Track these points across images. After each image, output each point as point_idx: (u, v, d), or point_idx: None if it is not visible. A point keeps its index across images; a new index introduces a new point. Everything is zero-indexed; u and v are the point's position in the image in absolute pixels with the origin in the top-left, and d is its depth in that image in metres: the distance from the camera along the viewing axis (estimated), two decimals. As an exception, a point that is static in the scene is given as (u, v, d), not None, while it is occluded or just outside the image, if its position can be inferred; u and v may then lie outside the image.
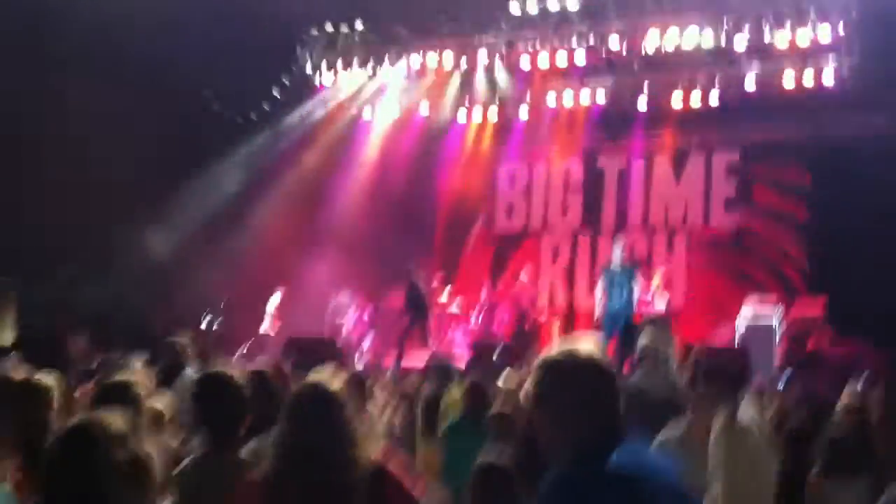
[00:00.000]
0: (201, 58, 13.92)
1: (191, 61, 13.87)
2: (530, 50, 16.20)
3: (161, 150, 14.45)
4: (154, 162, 14.32)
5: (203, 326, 14.63)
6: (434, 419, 7.49)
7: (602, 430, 2.55)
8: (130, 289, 14.03)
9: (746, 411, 5.30)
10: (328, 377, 3.54)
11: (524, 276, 16.29)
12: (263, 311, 15.70)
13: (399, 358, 14.45)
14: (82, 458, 2.76)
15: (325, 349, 12.77)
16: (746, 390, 5.34)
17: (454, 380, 8.19)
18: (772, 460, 5.31)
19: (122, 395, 4.35)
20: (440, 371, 8.55)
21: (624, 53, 15.68)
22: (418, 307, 15.33)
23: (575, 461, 2.55)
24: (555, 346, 2.66)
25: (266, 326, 15.69)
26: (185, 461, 3.93)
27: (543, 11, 15.72)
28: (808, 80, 14.85)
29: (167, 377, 6.77)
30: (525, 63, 16.36)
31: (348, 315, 16.39)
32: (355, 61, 17.35)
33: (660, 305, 14.13)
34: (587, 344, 2.64)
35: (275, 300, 15.86)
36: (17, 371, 4.25)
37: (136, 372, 4.99)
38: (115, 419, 2.92)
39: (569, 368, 2.56)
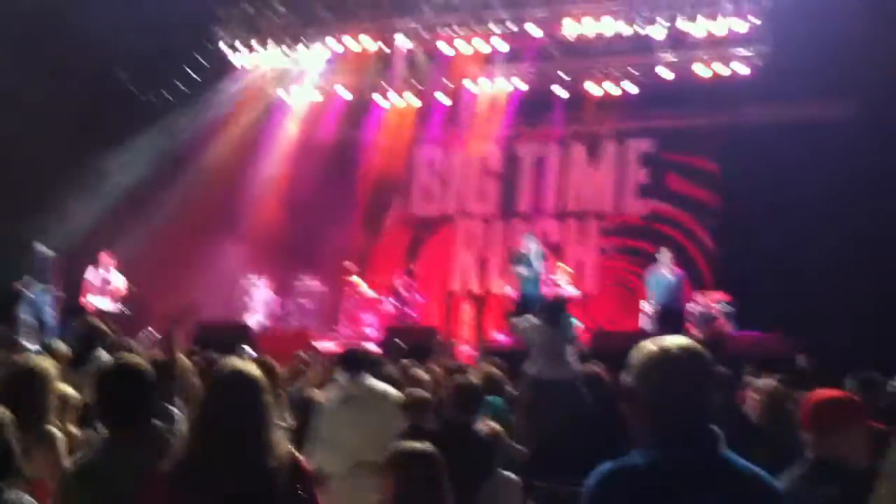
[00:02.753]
0: (113, 35, 13.44)
1: (102, 38, 13.38)
2: (451, 35, 16.07)
3: (71, 131, 13.92)
4: (63, 144, 13.81)
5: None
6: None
7: (696, 420, 2.57)
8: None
9: None
10: (244, 363, 3.51)
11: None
12: (172, 294, 15.19)
13: None
14: None
15: (236, 334, 12.68)
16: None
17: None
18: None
19: (30, 378, 4.24)
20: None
21: (544, 40, 15.75)
22: None
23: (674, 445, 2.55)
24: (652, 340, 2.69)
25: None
26: (87, 451, 3.82)
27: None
28: (722, 70, 15.14)
29: (81, 357, 6.70)
30: (446, 48, 16.29)
31: (260, 301, 16.21)
32: (273, 41, 16.99)
33: (570, 290, 14.23)
34: (682, 338, 2.69)
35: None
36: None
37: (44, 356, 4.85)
38: None
39: (671, 359, 2.59)
